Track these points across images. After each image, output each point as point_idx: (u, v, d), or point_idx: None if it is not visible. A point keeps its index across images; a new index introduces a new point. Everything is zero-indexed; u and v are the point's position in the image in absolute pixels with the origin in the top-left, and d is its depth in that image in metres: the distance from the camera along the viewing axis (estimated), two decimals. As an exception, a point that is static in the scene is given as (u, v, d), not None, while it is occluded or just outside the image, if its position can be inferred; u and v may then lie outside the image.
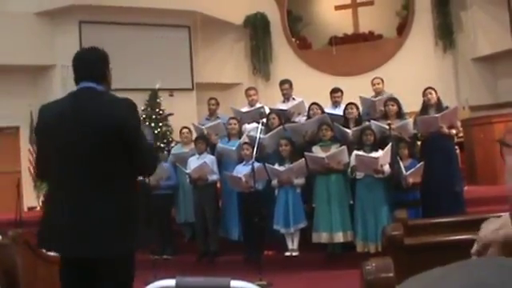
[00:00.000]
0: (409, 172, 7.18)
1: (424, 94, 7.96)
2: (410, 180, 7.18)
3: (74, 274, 3.09)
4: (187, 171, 7.97)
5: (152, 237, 8.09)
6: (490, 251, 1.10)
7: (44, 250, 3.69)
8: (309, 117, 8.29)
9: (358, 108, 8.17)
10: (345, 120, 8.16)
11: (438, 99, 7.96)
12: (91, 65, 3.26)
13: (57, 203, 3.09)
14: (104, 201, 3.00)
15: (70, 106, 3.15)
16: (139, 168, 3.21)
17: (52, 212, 3.10)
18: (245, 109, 8.88)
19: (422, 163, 7.27)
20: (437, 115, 7.58)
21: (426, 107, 7.96)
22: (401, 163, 7.28)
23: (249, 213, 7.54)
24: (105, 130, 3.01)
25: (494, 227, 1.14)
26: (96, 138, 3.02)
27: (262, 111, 8.44)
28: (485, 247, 1.12)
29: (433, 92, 7.91)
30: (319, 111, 8.22)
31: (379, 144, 7.47)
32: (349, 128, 7.96)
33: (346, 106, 8.23)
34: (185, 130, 8.89)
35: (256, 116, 8.41)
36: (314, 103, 8.37)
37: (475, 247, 1.16)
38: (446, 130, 7.62)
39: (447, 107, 8.01)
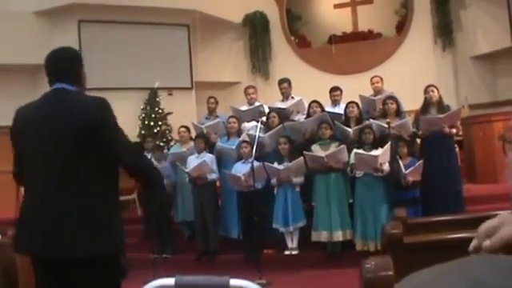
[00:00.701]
0: (408, 170, 7.18)
1: (426, 91, 7.94)
2: (410, 178, 7.19)
3: (51, 278, 3.02)
4: (187, 170, 7.96)
5: (153, 235, 8.10)
6: (501, 231, 1.09)
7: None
8: (309, 115, 8.30)
9: (358, 107, 8.17)
10: (346, 119, 8.17)
11: (440, 97, 7.95)
12: (64, 66, 3.20)
13: (32, 205, 3.05)
14: (79, 201, 2.95)
15: (43, 108, 3.12)
16: (122, 163, 3.14)
17: (28, 214, 3.06)
18: (244, 107, 8.89)
19: (421, 161, 7.27)
20: (441, 116, 7.57)
21: (427, 105, 7.94)
22: (400, 162, 7.28)
23: (248, 212, 7.54)
24: (78, 129, 2.97)
25: (492, 223, 1.14)
26: (69, 139, 2.97)
27: (262, 110, 8.45)
28: (489, 232, 1.11)
29: (435, 90, 7.90)
30: (319, 109, 8.22)
31: (379, 143, 7.47)
32: (349, 127, 7.97)
33: (347, 104, 8.24)
34: (182, 129, 8.90)
35: (255, 114, 8.42)
36: (314, 101, 8.38)
37: (473, 243, 1.16)
38: (447, 129, 7.62)
39: (448, 106, 8.00)
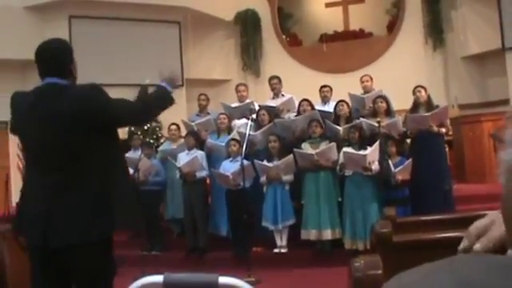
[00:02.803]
0: (397, 169, 7.20)
1: (414, 92, 7.98)
2: (399, 177, 7.20)
3: (48, 269, 3.04)
4: (178, 165, 7.94)
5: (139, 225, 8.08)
6: (489, 233, 1.09)
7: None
8: (299, 113, 8.30)
9: (349, 105, 8.19)
10: (335, 117, 8.17)
11: (429, 97, 7.99)
12: (55, 59, 3.19)
13: (30, 193, 3.09)
14: (74, 189, 2.99)
15: (35, 102, 3.13)
16: (139, 122, 3.24)
17: (26, 202, 3.10)
18: (234, 104, 8.88)
19: (410, 160, 7.29)
20: (427, 114, 7.60)
21: (416, 105, 7.98)
22: (389, 161, 7.30)
23: (237, 210, 7.54)
24: (72, 117, 3.00)
25: (482, 224, 1.14)
26: (64, 128, 3.01)
27: (252, 107, 8.45)
28: (479, 233, 1.11)
29: (422, 90, 7.94)
30: (309, 108, 8.23)
31: (368, 141, 7.49)
32: (339, 125, 7.98)
33: (337, 103, 8.25)
34: (173, 127, 8.88)
35: (245, 112, 8.43)
36: (304, 99, 8.38)
37: (463, 243, 1.15)
38: (435, 128, 7.65)
39: (437, 106, 8.03)
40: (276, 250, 7.77)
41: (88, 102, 3.06)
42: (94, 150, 3.07)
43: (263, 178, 7.68)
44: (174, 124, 8.91)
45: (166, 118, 10.88)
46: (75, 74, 3.29)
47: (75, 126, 3.01)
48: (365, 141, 7.50)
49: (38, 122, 3.04)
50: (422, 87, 7.99)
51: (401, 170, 7.22)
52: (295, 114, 8.42)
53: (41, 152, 3.07)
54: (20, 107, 3.19)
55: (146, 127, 11.54)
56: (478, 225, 1.14)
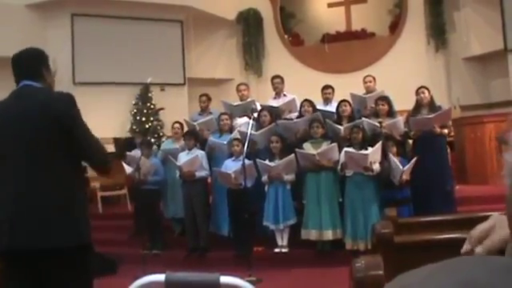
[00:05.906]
0: (405, 167, 7.15)
1: (417, 92, 7.97)
2: (404, 177, 7.17)
3: (19, 275, 3.05)
4: (178, 164, 7.93)
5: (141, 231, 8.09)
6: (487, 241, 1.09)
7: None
8: (300, 114, 8.29)
9: (351, 105, 8.17)
10: (338, 117, 8.17)
11: (431, 98, 7.97)
12: (29, 64, 3.31)
13: (3, 199, 3.09)
14: (47, 191, 3.03)
15: (11, 104, 3.22)
16: (88, 159, 3.30)
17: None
18: (236, 102, 8.89)
19: (415, 159, 7.26)
20: (430, 116, 7.59)
21: (418, 106, 7.97)
22: (396, 160, 7.26)
23: (238, 209, 7.53)
24: (45, 122, 3.07)
25: (484, 227, 1.14)
26: (37, 132, 3.07)
27: (253, 106, 8.44)
28: (481, 238, 1.11)
29: (426, 91, 7.92)
30: (310, 108, 8.22)
31: (370, 142, 7.48)
32: (341, 125, 7.97)
33: (340, 103, 8.24)
34: (176, 125, 8.87)
35: (247, 110, 8.42)
36: (305, 100, 8.37)
37: (466, 247, 1.15)
38: (438, 129, 7.65)
39: (440, 107, 8.02)
40: (277, 250, 7.77)
41: (58, 107, 3.13)
42: (61, 159, 3.11)
43: (265, 178, 7.68)
44: (177, 122, 8.91)
45: (168, 116, 10.93)
46: (48, 79, 3.38)
47: (44, 127, 3.08)
48: (365, 141, 7.48)
49: (12, 121, 3.12)
50: (426, 88, 7.97)
51: (407, 169, 7.18)
52: (297, 114, 8.42)
53: (12, 152, 3.09)
54: None
55: (147, 126, 11.54)
56: (480, 228, 1.14)
